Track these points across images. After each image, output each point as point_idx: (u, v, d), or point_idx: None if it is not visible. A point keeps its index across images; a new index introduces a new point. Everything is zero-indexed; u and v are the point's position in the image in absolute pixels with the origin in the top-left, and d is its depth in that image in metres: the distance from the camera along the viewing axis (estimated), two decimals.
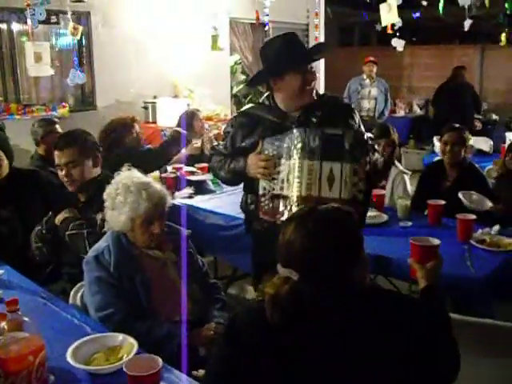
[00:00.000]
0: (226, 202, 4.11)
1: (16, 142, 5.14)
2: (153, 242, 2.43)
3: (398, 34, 7.31)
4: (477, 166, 4.15)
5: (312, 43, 8.36)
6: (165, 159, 4.61)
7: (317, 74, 2.80)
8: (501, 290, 2.76)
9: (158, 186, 2.48)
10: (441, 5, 6.99)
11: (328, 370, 1.47)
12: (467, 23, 7.44)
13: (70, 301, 2.56)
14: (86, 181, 2.95)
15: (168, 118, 6.39)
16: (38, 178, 3.45)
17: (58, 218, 2.90)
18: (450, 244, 3.08)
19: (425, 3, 8.33)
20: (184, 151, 4.95)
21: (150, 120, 7.06)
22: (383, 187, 4.13)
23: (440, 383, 1.63)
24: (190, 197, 4.40)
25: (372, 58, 8.43)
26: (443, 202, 3.48)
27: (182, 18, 7.37)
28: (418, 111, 11.20)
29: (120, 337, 2.05)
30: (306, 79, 2.64)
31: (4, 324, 1.72)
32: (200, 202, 4.30)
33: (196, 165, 4.95)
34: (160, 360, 1.77)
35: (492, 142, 7.02)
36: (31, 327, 1.73)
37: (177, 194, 4.34)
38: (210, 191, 4.51)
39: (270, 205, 2.53)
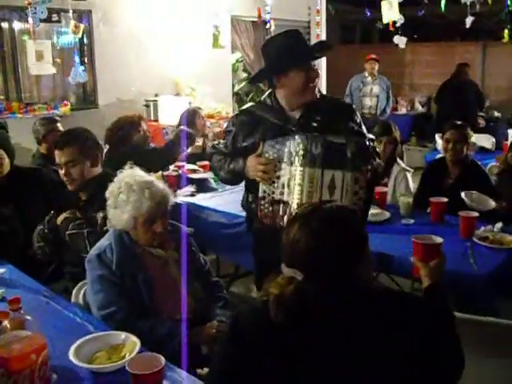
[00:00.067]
0: (227, 200, 4.11)
1: (18, 141, 5.14)
2: (155, 240, 2.43)
3: (399, 32, 7.30)
4: (479, 163, 4.15)
5: (313, 41, 8.34)
6: (170, 158, 4.61)
7: (319, 72, 2.79)
8: (504, 287, 2.76)
9: (160, 184, 2.48)
10: (443, 2, 6.98)
11: (332, 369, 1.47)
12: (469, 20, 7.42)
13: (73, 299, 2.57)
14: (86, 180, 2.95)
15: (169, 116, 6.39)
16: (39, 176, 3.45)
17: (60, 219, 2.91)
18: (453, 241, 3.08)
19: (426, 0, 8.32)
20: (189, 150, 4.95)
21: (152, 118, 7.05)
22: (385, 184, 4.12)
23: (444, 382, 1.62)
24: (192, 195, 4.40)
25: (374, 56, 8.42)
26: (445, 200, 3.48)
27: (184, 16, 7.36)
28: (419, 109, 11.18)
29: (122, 335, 2.05)
30: (309, 76, 2.64)
31: (6, 322, 1.73)
32: (202, 200, 4.30)
33: (198, 163, 4.95)
34: (162, 358, 1.76)
35: (494, 139, 7.01)
36: (33, 326, 1.73)
37: (179, 192, 4.34)
38: (212, 189, 4.50)
39: (270, 208, 2.52)
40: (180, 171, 4.71)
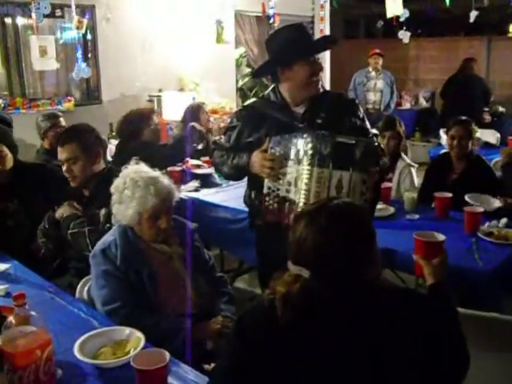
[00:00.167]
0: (232, 195, 4.10)
1: (22, 136, 5.15)
2: (160, 236, 2.43)
3: (404, 27, 7.29)
4: (484, 158, 4.13)
5: (317, 36, 8.32)
6: (180, 155, 4.60)
7: (323, 66, 2.79)
8: (508, 283, 2.75)
9: (165, 180, 2.47)
10: None
11: (337, 366, 1.46)
12: (473, 14, 7.41)
13: (77, 295, 2.57)
14: (88, 176, 2.95)
15: (173, 111, 6.39)
16: (43, 172, 3.45)
17: (59, 213, 2.90)
18: (457, 237, 3.07)
19: None
20: (200, 146, 4.94)
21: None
22: (390, 180, 4.12)
23: (449, 381, 1.62)
24: (196, 190, 4.40)
25: (377, 51, 8.40)
26: (450, 195, 3.47)
27: (187, 11, 7.35)
28: (423, 104, 11.14)
29: (127, 331, 2.05)
30: (314, 69, 2.64)
31: (11, 318, 1.72)
32: (206, 195, 4.29)
33: (202, 158, 4.94)
34: (167, 354, 1.76)
35: (499, 135, 6.99)
36: (38, 321, 1.73)
37: (183, 187, 4.34)
38: (216, 184, 4.50)
39: (275, 205, 2.50)
40: (184, 166, 4.71)
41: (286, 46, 2.62)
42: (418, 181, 4.31)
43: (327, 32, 9.07)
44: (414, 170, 4.28)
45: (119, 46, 6.90)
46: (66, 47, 6.75)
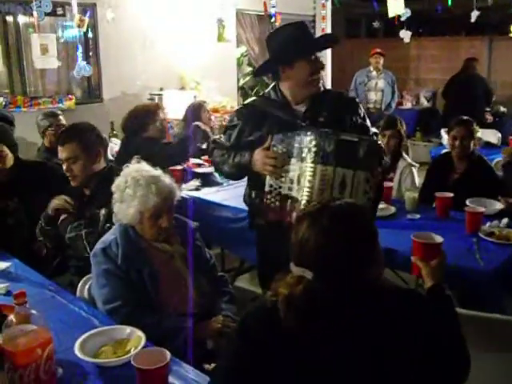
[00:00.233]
0: (233, 194, 4.10)
1: (23, 135, 5.16)
2: (161, 235, 2.43)
3: (405, 26, 7.28)
4: (485, 158, 4.13)
5: (319, 35, 8.31)
6: (184, 155, 4.59)
7: (325, 64, 2.78)
8: (509, 283, 2.74)
9: (167, 179, 2.46)
10: None
11: (339, 366, 1.46)
12: (474, 14, 7.39)
13: (78, 293, 2.57)
14: (88, 175, 2.94)
15: (174, 110, 6.38)
16: (44, 170, 3.45)
17: (50, 206, 2.90)
18: (458, 237, 3.08)
19: None
20: (204, 146, 4.93)
21: None
22: (391, 179, 4.12)
23: (450, 383, 1.61)
24: (197, 189, 4.40)
25: (379, 50, 8.40)
26: (451, 195, 3.46)
27: (189, 9, 7.34)
28: (425, 103, 11.13)
29: (128, 330, 2.05)
30: (315, 67, 2.63)
31: (12, 317, 1.72)
32: (207, 194, 4.30)
33: (202, 157, 4.94)
34: (168, 353, 1.76)
35: (500, 134, 6.98)
36: (39, 320, 1.73)
37: (184, 186, 4.34)
38: (217, 183, 4.50)
39: (277, 203, 2.49)
40: (185, 165, 4.71)
41: (287, 45, 2.62)
42: (419, 180, 4.30)
43: (329, 31, 9.07)
44: (415, 170, 4.28)
45: (120, 45, 6.89)
46: (68, 45, 6.75)
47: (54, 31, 6.55)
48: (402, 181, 4.19)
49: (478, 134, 4.35)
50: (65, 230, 2.85)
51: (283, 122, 2.62)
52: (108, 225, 2.70)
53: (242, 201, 2.93)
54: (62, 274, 3.02)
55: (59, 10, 6.32)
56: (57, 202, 2.89)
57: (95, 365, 1.91)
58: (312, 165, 2.39)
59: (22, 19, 6.33)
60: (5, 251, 2.93)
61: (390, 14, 6.54)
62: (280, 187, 2.49)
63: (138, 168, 2.47)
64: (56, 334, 1.84)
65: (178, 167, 4.57)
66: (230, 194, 4.16)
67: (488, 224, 3.17)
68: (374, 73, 8.36)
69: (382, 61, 8.35)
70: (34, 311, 1.74)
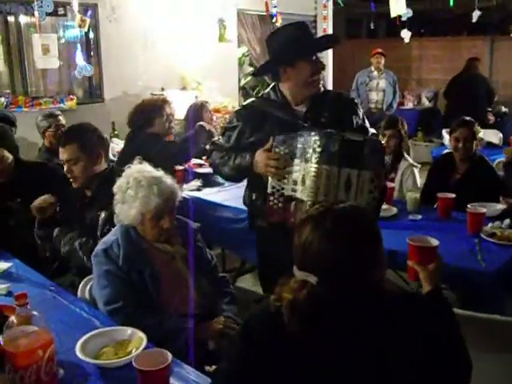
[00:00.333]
0: (234, 194, 4.09)
1: (24, 135, 5.17)
2: (162, 236, 2.42)
3: (406, 26, 7.27)
4: (486, 158, 4.12)
5: (320, 35, 8.31)
6: (186, 155, 4.59)
7: (325, 65, 2.78)
8: (511, 284, 2.74)
9: (168, 180, 2.46)
10: None
11: (341, 369, 1.45)
12: (475, 14, 7.38)
13: (79, 294, 2.56)
14: (90, 176, 2.93)
15: (176, 110, 6.37)
16: (45, 170, 3.46)
17: (33, 208, 2.90)
18: (460, 238, 3.08)
19: None
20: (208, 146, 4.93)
21: None
22: (392, 180, 4.11)
23: None
24: (199, 189, 4.39)
25: (380, 50, 8.40)
26: (453, 196, 3.46)
27: (190, 9, 7.34)
28: (426, 103, 11.13)
29: (129, 331, 2.05)
30: (316, 68, 2.63)
31: (13, 318, 1.72)
32: (208, 194, 4.30)
33: (203, 157, 4.93)
34: (169, 354, 1.76)
35: (502, 135, 6.97)
36: (40, 321, 1.73)
37: (185, 186, 4.34)
38: (218, 184, 4.49)
39: (280, 205, 2.47)
40: (186, 165, 4.71)
41: (287, 45, 2.61)
42: (420, 181, 4.30)
43: (330, 31, 9.07)
44: (416, 171, 4.27)
45: (121, 45, 6.89)
46: (69, 45, 6.75)
47: (55, 31, 6.55)
48: (404, 181, 4.19)
49: (480, 135, 4.33)
50: (58, 245, 2.85)
51: (284, 123, 2.61)
52: (107, 227, 2.69)
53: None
54: (63, 275, 3.03)
55: (60, 10, 6.32)
56: (38, 201, 2.89)
57: (96, 366, 1.90)
58: (317, 165, 2.37)
59: (23, 19, 6.33)
60: (6, 252, 2.93)
61: (392, 15, 6.53)
62: (283, 188, 2.47)
63: (139, 169, 2.46)
64: (57, 334, 1.84)
65: (180, 167, 4.56)
66: (231, 195, 4.15)
67: (490, 225, 3.16)
68: (376, 73, 8.36)
69: (383, 61, 8.35)
70: (35, 312, 1.74)
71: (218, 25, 7.58)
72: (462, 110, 5.84)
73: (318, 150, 2.37)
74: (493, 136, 6.81)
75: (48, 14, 5.25)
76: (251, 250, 3.15)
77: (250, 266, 4.60)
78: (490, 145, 6.33)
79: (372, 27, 9.42)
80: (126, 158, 4.13)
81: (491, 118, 8.35)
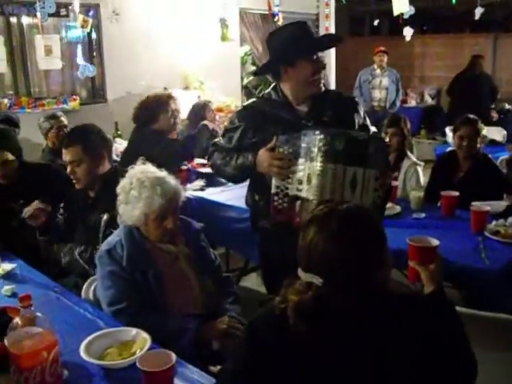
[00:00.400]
0: (237, 194, 4.08)
1: (27, 136, 5.17)
2: (166, 236, 2.42)
3: (408, 23, 7.27)
4: (490, 156, 4.12)
5: (322, 33, 8.30)
6: (189, 154, 4.58)
7: (326, 63, 2.77)
8: None
9: (172, 180, 2.45)
10: None
11: (343, 370, 1.45)
12: (478, 11, 7.36)
13: (83, 295, 2.57)
14: (93, 178, 2.93)
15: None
16: (48, 172, 3.46)
17: (26, 210, 2.91)
18: (464, 236, 3.07)
19: None
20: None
21: None
22: (395, 178, 4.10)
23: None
24: (202, 189, 4.39)
25: (382, 48, 8.39)
26: (457, 194, 3.45)
27: (192, 9, 7.34)
28: (429, 101, 11.11)
29: (133, 331, 2.05)
30: (317, 67, 2.62)
31: (17, 319, 1.72)
32: (212, 194, 4.29)
33: (206, 156, 4.92)
34: (173, 355, 1.76)
35: (505, 132, 6.96)
36: (44, 322, 1.73)
37: (188, 186, 4.33)
38: (222, 183, 4.48)
39: (285, 204, 2.45)
40: (189, 165, 4.71)
41: (288, 44, 2.60)
42: (424, 179, 4.29)
43: (332, 29, 9.06)
44: (420, 169, 4.26)
45: (124, 45, 6.89)
46: (71, 46, 6.75)
47: (57, 32, 6.56)
48: (407, 180, 4.18)
49: (483, 132, 4.33)
50: (60, 258, 2.87)
51: (287, 123, 2.60)
52: (109, 230, 2.69)
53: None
54: (67, 276, 3.02)
55: (63, 11, 6.32)
56: (28, 209, 2.90)
57: (100, 367, 1.91)
58: (323, 164, 2.36)
59: (25, 20, 6.33)
60: (9, 253, 2.93)
61: (395, 13, 6.52)
62: (287, 188, 2.46)
63: (142, 169, 2.46)
64: (61, 335, 1.84)
65: (183, 167, 4.56)
66: (234, 194, 4.14)
67: (494, 223, 3.16)
68: (378, 71, 8.35)
69: (385, 59, 8.33)
70: (39, 314, 1.75)
71: (220, 24, 7.57)
72: (465, 107, 5.82)
73: (324, 148, 2.36)
74: (496, 133, 6.80)
75: (50, 15, 5.25)
76: (255, 250, 3.15)
77: (253, 266, 4.60)
78: (493, 142, 6.31)
79: (376, 24, 9.40)
80: (129, 155, 4.15)
81: (494, 115, 8.33)
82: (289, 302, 1.48)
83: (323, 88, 2.71)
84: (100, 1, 6.65)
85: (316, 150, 2.37)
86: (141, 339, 2.00)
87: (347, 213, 1.50)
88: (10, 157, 3.24)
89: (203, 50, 7.50)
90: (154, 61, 7.12)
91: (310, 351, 1.45)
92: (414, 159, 4.32)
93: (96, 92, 7.05)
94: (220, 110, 7.13)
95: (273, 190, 2.48)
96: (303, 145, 2.42)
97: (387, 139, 4.18)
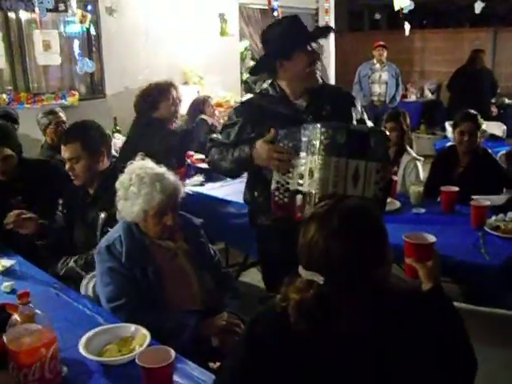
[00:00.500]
0: (237, 189, 4.06)
1: (26, 132, 5.16)
2: (165, 233, 2.41)
3: (407, 18, 7.25)
4: (490, 151, 4.11)
5: None
6: (185, 146, 4.57)
7: (325, 59, 2.77)
8: None
9: (171, 176, 2.45)
10: None
11: (344, 369, 1.44)
12: (478, 5, 7.34)
13: (82, 291, 2.57)
14: (92, 175, 2.92)
15: None
16: (47, 168, 3.45)
17: (7, 217, 2.90)
18: (464, 231, 3.07)
19: None
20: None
21: None
22: (395, 173, 4.10)
23: None
24: (201, 184, 4.38)
25: (382, 43, 8.38)
26: (456, 189, 3.44)
27: (191, 3, 7.32)
28: (429, 96, 11.10)
29: (132, 328, 2.05)
30: (312, 58, 2.63)
31: (16, 316, 1.72)
32: (211, 189, 4.29)
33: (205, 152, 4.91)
34: (173, 351, 1.76)
35: (505, 127, 6.95)
36: (43, 319, 1.73)
37: (187, 181, 4.33)
38: (221, 179, 4.46)
39: (286, 199, 2.44)
40: (189, 160, 4.70)
41: (282, 38, 2.61)
42: (423, 174, 4.28)
43: (332, 24, 9.04)
44: (419, 164, 4.25)
45: (122, 40, 6.87)
46: (70, 41, 6.72)
47: (56, 27, 6.54)
48: (407, 175, 4.18)
49: (483, 127, 4.32)
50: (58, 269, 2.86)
51: (286, 117, 2.59)
52: (106, 228, 2.68)
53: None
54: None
55: (61, 6, 6.30)
56: (10, 215, 2.90)
57: (100, 363, 1.90)
58: (325, 157, 2.35)
59: (24, 15, 6.32)
60: (9, 249, 2.93)
61: (396, 7, 6.52)
62: (288, 183, 2.45)
63: (142, 165, 2.45)
64: (60, 332, 1.85)
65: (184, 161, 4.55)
66: (233, 189, 4.13)
67: (493, 218, 3.15)
68: (378, 65, 8.34)
69: (385, 53, 8.33)
70: (38, 311, 1.74)
71: (219, 19, 7.55)
72: (466, 102, 5.81)
73: (325, 141, 2.35)
74: (496, 128, 6.79)
75: (49, 10, 5.25)
76: (254, 245, 3.15)
77: (253, 261, 4.60)
78: (493, 137, 6.30)
79: (377, 17, 9.36)
80: (128, 148, 4.14)
81: (494, 110, 8.32)
82: (290, 300, 1.47)
83: (320, 80, 2.71)
84: None
85: (317, 143, 2.36)
86: (140, 335, 1.99)
87: (348, 210, 1.48)
88: (10, 153, 3.23)
89: (202, 45, 7.49)
90: (152, 56, 7.11)
91: (311, 350, 1.45)
92: (414, 154, 4.31)
93: (95, 87, 7.04)
94: (219, 105, 7.12)
95: (273, 185, 2.48)
96: (304, 139, 2.41)
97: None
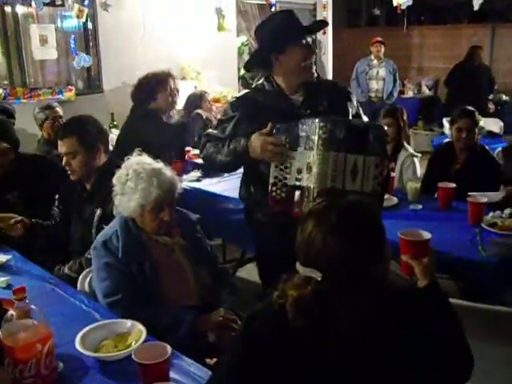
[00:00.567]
0: (234, 185, 4.03)
1: (23, 126, 5.14)
2: (162, 228, 2.41)
3: (404, 15, 7.24)
4: (487, 147, 4.11)
5: None
6: (181, 140, 4.56)
7: (323, 55, 2.77)
8: None
9: (168, 172, 2.44)
10: None
11: (343, 367, 1.44)
12: (477, 2, 7.32)
13: (78, 287, 2.56)
14: (88, 170, 2.91)
15: None
16: (43, 163, 3.44)
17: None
18: (461, 227, 3.07)
19: None
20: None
21: None
22: (392, 169, 4.09)
23: (454, 382, 1.60)
24: (198, 180, 4.37)
25: (379, 39, 8.36)
26: (454, 185, 3.44)
27: None
28: (426, 92, 11.09)
29: (129, 323, 2.04)
30: (307, 52, 2.63)
31: (12, 311, 1.72)
32: (208, 185, 4.28)
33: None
34: (169, 347, 1.76)
35: (502, 123, 6.95)
36: (39, 315, 1.73)
37: (184, 177, 4.32)
38: (218, 174, 4.46)
39: (283, 195, 2.44)
40: (186, 156, 4.69)
41: (276, 32, 2.60)
42: (421, 171, 4.28)
43: (330, 20, 9.02)
44: (417, 160, 4.25)
45: (119, 35, 6.84)
46: (67, 36, 6.70)
47: (52, 21, 6.50)
48: (404, 171, 4.17)
49: (481, 123, 4.32)
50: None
51: (282, 112, 2.59)
52: (101, 225, 2.67)
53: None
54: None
55: (58, 0, 6.27)
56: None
57: (96, 359, 1.90)
58: (324, 151, 2.34)
59: (20, 10, 6.27)
60: (5, 244, 2.92)
61: (394, 3, 6.50)
62: (285, 178, 2.44)
63: (139, 160, 2.44)
64: (56, 327, 1.84)
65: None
66: (230, 185, 4.12)
67: (490, 214, 3.15)
68: (375, 61, 8.33)
69: (382, 49, 8.31)
70: (33, 306, 1.74)
71: (216, 14, 7.53)
72: (463, 98, 5.80)
73: (324, 136, 2.34)
74: (493, 125, 6.78)
75: (45, 4, 5.24)
76: (251, 241, 3.14)
77: (250, 257, 4.59)
78: (490, 134, 6.30)
79: (376, 13, 9.33)
80: (124, 140, 4.12)
81: (492, 106, 8.32)
82: (288, 296, 1.46)
83: (315, 74, 2.71)
84: None
85: (316, 138, 2.36)
86: (136, 331, 1.99)
87: (346, 206, 1.47)
88: (7, 147, 3.22)
89: (200, 40, 7.46)
90: (150, 51, 7.08)
91: (309, 347, 1.44)
92: (411, 150, 4.30)
93: (92, 82, 7.01)
94: (217, 100, 7.10)
95: (271, 181, 2.47)
96: (301, 133, 2.41)
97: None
